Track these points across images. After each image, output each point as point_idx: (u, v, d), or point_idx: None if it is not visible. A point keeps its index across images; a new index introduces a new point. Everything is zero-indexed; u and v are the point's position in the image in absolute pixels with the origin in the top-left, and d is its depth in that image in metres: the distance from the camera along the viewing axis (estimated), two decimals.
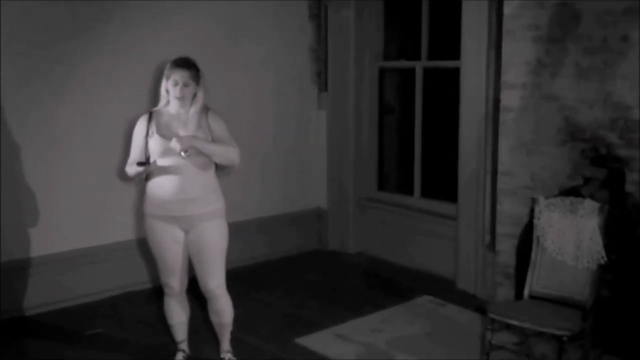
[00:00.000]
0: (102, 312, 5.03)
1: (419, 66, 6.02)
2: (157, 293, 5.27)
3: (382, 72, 6.46)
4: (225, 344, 4.05)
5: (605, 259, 3.69)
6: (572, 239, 3.78)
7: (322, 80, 6.47)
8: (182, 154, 3.56)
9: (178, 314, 3.99)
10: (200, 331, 4.42)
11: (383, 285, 5.64)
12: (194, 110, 3.70)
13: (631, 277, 3.84)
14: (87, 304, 5.13)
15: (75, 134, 5.07)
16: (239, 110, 5.86)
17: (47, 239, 4.96)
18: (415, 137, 6.10)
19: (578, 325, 3.55)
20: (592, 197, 3.92)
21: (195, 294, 4.03)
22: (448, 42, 5.62)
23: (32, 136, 4.88)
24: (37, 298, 4.94)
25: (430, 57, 5.95)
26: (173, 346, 4.13)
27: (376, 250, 6.33)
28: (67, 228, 5.08)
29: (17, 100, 4.78)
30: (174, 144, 3.53)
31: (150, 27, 5.31)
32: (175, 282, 3.86)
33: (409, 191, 6.24)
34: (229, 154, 3.73)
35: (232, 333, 4.07)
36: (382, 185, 6.59)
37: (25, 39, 4.77)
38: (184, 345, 4.08)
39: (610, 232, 3.77)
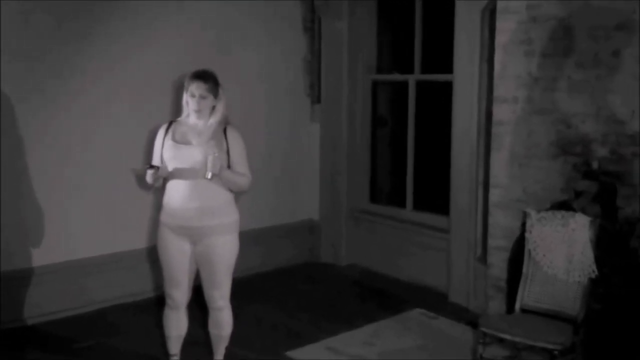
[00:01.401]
0: (94, 324, 5.00)
1: (411, 79, 6.04)
2: (152, 304, 5.29)
3: (375, 85, 6.48)
4: (219, 357, 4.02)
5: (597, 272, 3.70)
6: (563, 252, 3.79)
7: (315, 93, 6.48)
8: (208, 175, 3.55)
9: (176, 327, 3.96)
10: (194, 347, 4.38)
11: (375, 297, 5.63)
12: (212, 121, 3.69)
13: (622, 291, 3.85)
14: (78, 316, 5.08)
15: (74, 143, 5.08)
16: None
17: (47, 249, 4.95)
18: (407, 149, 6.11)
19: (569, 339, 3.56)
20: (584, 211, 3.93)
21: (195, 307, 4.00)
22: (441, 56, 5.64)
23: (33, 145, 4.88)
24: (38, 308, 4.91)
25: (423, 71, 5.98)
26: (165, 358, 4.10)
27: (368, 262, 6.32)
28: (69, 238, 5.07)
29: (17, 108, 4.78)
30: (209, 163, 3.53)
31: (143, 37, 5.31)
32: (177, 294, 3.84)
33: (402, 204, 6.24)
34: (242, 184, 3.77)
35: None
36: (374, 198, 6.60)
37: (24, 50, 4.78)
38: (175, 359, 4.06)
39: (602, 246, 3.78)
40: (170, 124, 3.79)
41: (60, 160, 5.02)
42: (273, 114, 6.26)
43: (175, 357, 4.05)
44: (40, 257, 4.94)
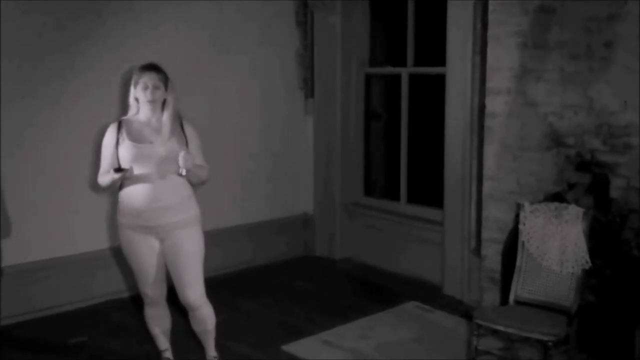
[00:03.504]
0: (86, 320, 4.99)
1: (404, 72, 6.04)
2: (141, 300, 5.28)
3: (369, 78, 6.48)
4: (211, 350, 4.00)
5: (590, 264, 3.71)
6: (557, 244, 3.80)
7: (308, 87, 6.47)
8: (183, 172, 3.54)
9: (159, 323, 3.96)
10: (184, 338, 4.38)
11: (370, 291, 5.63)
12: (166, 116, 3.65)
13: (615, 282, 3.87)
14: (70, 312, 5.08)
15: (49, 142, 5.04)
16: (225, 117, 5.87)
17: (24, 248, 4.89)
18: (401, 142, 6.11)
19: (563, 330, 3.57)
20: (577, 202, 3.94)
21: (176, 301, 3.99)
22: (434, 49, 5.64)
23: (32, 142, 4.89)
24: (14, 307, 4.85)
25: (416, 64, 5.98)
26: (158, 355, 4.10)
27: (363, 256, 6.33)
28: (59, 234, 5.06)
29: (18, 106, 4.78)
30: (181, 160, 3.50)
31: (137, 38, 5.29)
32: (153, 292, 3.82)
33: (396, 197, 6.25)
34: (203, 176, 3.77)
35: (219, 340, 4.03)
36: (368, 191, 6.60)
37: (25, 49, 4.79)
38: (168, 354, 4.05)
39: (595, 237, 3.79)
40: (119, 123, 3.67)
41: (59, 157, 5.02)
42: (267, 108, 6.26)
43: (167, 352, 4.03)
44: (35, 253, 4.93)
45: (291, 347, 4.50)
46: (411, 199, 6.14)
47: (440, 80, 5.46)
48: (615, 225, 3.93)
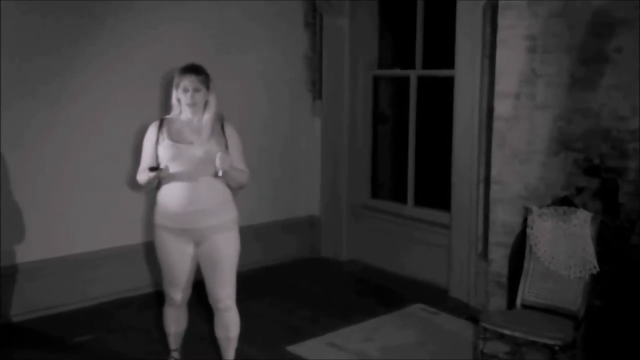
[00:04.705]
0: (93, 318, 5.00)
1: (413, 75, 6.03)
2: (150, 299, 5.29)
3: (377, 80, 6.47)
4: (230, 357, 3.93)
5: (598, 268, 3.70)
6: (564, 248, 3.79)
7: (316, 89, 6.48)
8: (220, 173, 3.49)
9: (176, 324, 3.93)
10: (198, 344, 4.38)
11: (375, 293, 5.63)
12: (207, 117, 3.61)
13: (623, 287, 3.85)
14: (78, 310, 5.09)
15: (73, 140, 5.08)
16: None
17: (46, 244, 4.95)
18: (409, 145, 6.11)
19: (570, 335, 3.56)
20: (585, 206, 3.94)
21: (197, 303, 3.98)
22: (442, 51, 5.63)
23: (33, 142, 4.89)
24: (25, 305, 4.90)
25: (425, 66, 5.97)
26: (165, 353, 4.11)
27: (369, 258, 6.32)
28: (62, 233, 5.06)
29: (18, 106, 4.78)
30: (218, 161, 3.45)
31: (143, 37, 5.31)
32: (178, 295, 3.79)
33: (403, 199, 6.24)
34: (243, 181, 3.71)
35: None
36: (375, 193, 6.59)
37: (23, 50, 4.79)
38: (176, 354, 4.04)
39: (603, 242, 3.78)
40: (161, 121, 3.67)
41: (60, 157, 5.03)
42: (274, 110, 6.26)
43: (175, 353, 4.04)
44: (39, 252, 4.94)
45: (296, 348, 4.50)
46: (418, 202, 6.13)
47: (449, 83, 5.46)
48: (624, 231, 3.92)
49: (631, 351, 3.79)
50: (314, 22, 6.39)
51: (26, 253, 4.89)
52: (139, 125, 5.18)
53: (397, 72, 6.33)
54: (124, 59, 5.22)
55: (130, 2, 5.22)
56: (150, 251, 5.33)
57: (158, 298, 5.29)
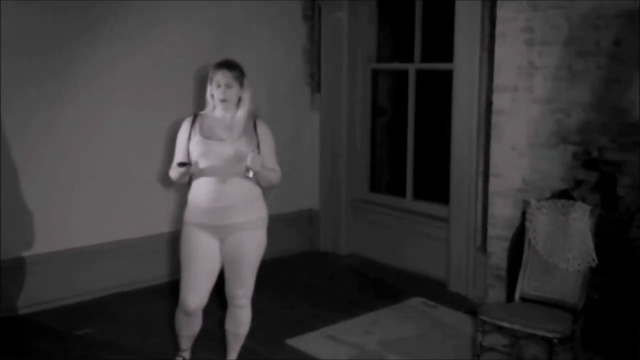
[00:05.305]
0: (94, 311, 5.00)
1: (411, 68, 6.03)
2: (151, 293, 5.29)
3: (375, 73, 6.47)
4: (233, 355, 3.90)
5: (596, 261, 3.71)
6: (563, 241, 3.80)
7: (315, 82, 6.47)
8: (250, 174, 3.46)
9: (188, 328, 3.81)
10: (203, 340, 4.37)
11: (374, 286, 5.64)
12: (240, 114, 3.57)
13: (622, 280, 3.86)
14: (79, 304, 5.09)
15: (75, 136, 5.08)
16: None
17: (47, 238, 4.95)
18: (407, 139, 6.11)
19: (569, 327, 3.57)
20: (584, 200, 3.94)
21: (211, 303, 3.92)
22: (441, 45, 5.62)
23: (35, 137, 4.89)
24: (38, 296, 4.92)
25: (424, 60, 5.96)
26: (163, 346, 4.10)
27: (368, 251, 6.33)
28: (62, 227, 5.06)
29: (20, 101, 4.78)
30: (249, 162, 3.41)
31: (143, 37, 5.29)
32: (192, 300, 3.63)
33: (401, 193, 6.24)
34: (274, 180, 3.66)
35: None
36: (374, 187, 6.59)
37: (26, 44, 4.78)
38: (186, 354, 3.95)
39: (602, 235, 3.78)
40: (195, 117, 3.62)
41: (62, 153, 5.03)
42: (273, 104, 6.23)
43: (185, 352, 3.94)
44: (39, 246, 4.94)
45: (295, 342, 4.51)
46: (417, 195, 6.14)
47: (448, 76, 5.45)
48: (622, 223, 3.93)
49: (630, 344, 3.80)
50: (312, 15, 6.38)
51: (26, 246, 4.90)
52: (139, 125, 5.25)
53: (396, 65, 6.32)
54: (124, 59, 5.21)
55: (130, 2, 5.20)
56: (152, 244, 5.38)
57: (159, 291, 5.32)
